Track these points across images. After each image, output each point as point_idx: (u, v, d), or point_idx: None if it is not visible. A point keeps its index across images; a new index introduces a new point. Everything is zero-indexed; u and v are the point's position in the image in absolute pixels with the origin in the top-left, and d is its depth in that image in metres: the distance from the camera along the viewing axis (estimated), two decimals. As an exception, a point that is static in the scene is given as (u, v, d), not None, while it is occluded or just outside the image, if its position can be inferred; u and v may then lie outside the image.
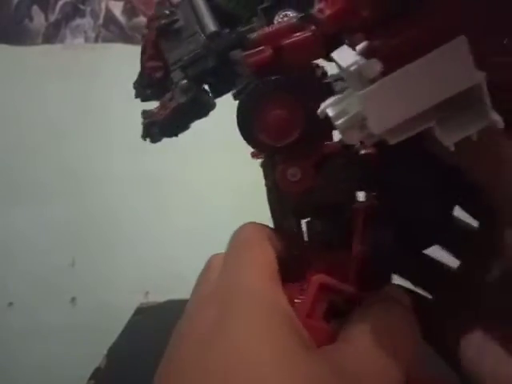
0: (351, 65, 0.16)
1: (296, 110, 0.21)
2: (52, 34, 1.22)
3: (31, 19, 1.21)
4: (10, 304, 1.15)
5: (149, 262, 1.12)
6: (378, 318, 0.20)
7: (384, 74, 0.15)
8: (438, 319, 0.24)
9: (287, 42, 0.21)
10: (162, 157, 1.01)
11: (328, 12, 0.18)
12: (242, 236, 0.24)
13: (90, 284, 1.14)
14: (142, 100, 0.29)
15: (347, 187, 0.23)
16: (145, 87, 0.28)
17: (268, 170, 0.25)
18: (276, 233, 0.25)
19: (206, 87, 0.27)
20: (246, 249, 0.23)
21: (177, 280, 1.07)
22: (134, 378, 0.71)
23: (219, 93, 0.27)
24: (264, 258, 0.22)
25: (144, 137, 0.28)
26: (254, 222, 0.25)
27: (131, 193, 1.15)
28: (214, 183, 1.12)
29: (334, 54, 0.18)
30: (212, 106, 0.28)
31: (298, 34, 0.21)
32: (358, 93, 0.15)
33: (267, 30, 0.21)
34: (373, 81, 0.15)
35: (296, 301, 0.22)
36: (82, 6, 1.22)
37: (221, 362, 0.18)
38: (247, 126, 0.22)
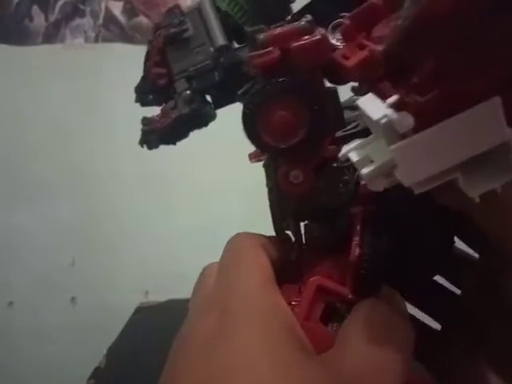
0: (382, 117, 0.16)
1: (301, 112, 0.21)
2: (52, 34, 1.22)
3: (31, 19, 1.21)
4: (11, 303, 1.15)
5: (149, 262, 1.13)
6: (374, 320, 0.20)
7: (415, 128, 0.16)
8: (443, 349, 0.24)
9: (295, 44, 0.21)
10: (167, 156, 1.00)
11: (352, 62, 0.18)
12: (236, 244, 0.24)
13: (90, 283, 1.14)
14: (142, 105, 0.29)
15: (346, 191, 0.23)
16: (147, 93, 0.28)
17: (270, 171, 0.25)
18: (272, 237, 0.25)
19: (208, 98, 0.28)
20: (240, 255, 0.23)
21: (177, 279, 1.07)
22: (133, 378, 0.72)
23: (221, 104, 0.28)
24: (259, 263, 0.22)
25: (141, 143, 0.28)
26: (247, 232, 0.25)
27: (134, 192, 1.15)
28: (218, 183, 1.12)
29: (360, 102, 0.18)
30: (213, 117, 0.28)
31: (306, 37, 0.21)
32: (390, 147, 0.16)
33: (275, 31, 0.21)
34: (403, 134, 0.16)
35: (293, 303, 0.22)
36: (81, 6, 1.22)
37: (222, 367, 0.18)
38: (252, 126, 0.22)
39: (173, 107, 0.27)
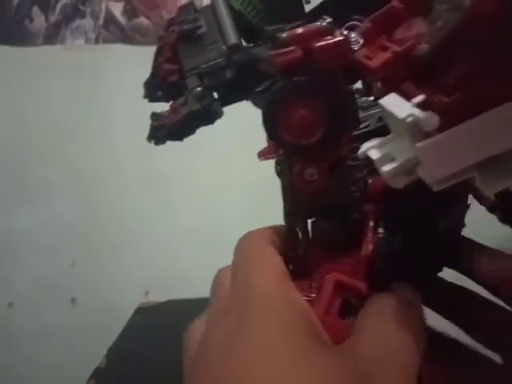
0: (408, 116, 0.16)
1: (321, 112, 0.22)
2: (52, 35, 1.22)
3: (31, 20, 1.21)
4: (11, 304, 1.15)
5: (149, 262, 1.13)
6: (388, 311, 0.21)
7: (438, 127, 0.16)
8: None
9: (319, 44, 0.21)
10: (168, 156, 1.01)
11: (376, 62, 0.19)
12: (246, 245, 0.25)
13: (91, 284, 1.14)
14: (151, 100, 0.29)
15: (357, 189, 0.24)
16: (156, 89, 0.28)
17: (284, 168, 0.25)
18: (280, 232, 0.26)
19: (214, 95, 0.28)
20: (252, 257, 0.23)
21: (177, 280, 1.07)
22: (133, 378, 0.72)
23: (228, 102, 0.28)
24: (271, 263, 0.23)
25: (150, 139, 0.28)
26: (256, 230, 0.25)
27: (135, 192, 1.15)
28: (219, 183, 1.12)
29: (383, 101, 0.18)
30: (219, 115, 0.28)
31: (327, 37, 0.21)
32: (416, 145, 0.16)
33: (297, 31, 0.21)
34: (428, 133, 0.16)
35: (305, 298, 0.23)
36: (82, 7, 1.22)
37: (241, 359, 0.19)
38: (273, 123, 0.22)
39: (183, 103, 0.27)
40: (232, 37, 0.26)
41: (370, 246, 0.23)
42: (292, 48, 0.21)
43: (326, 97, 0.22)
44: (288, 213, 0.26)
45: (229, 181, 1.12)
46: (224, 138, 0.91)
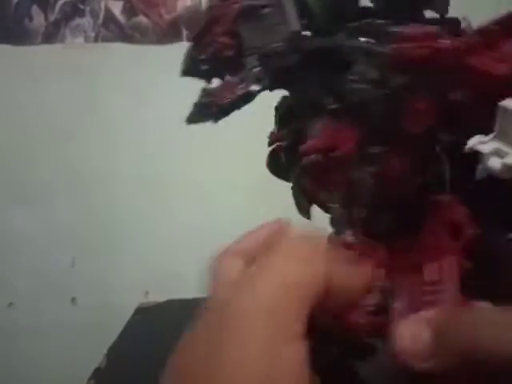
0: None
1: (432, 110, 0.23)
2: (52, 34, 1.21)
3: (31, 19, 1.21)
4: (11, 304, 1.15)
5: (149, 262, 1.13)
6: None
7: None
8: None
9: (443, 44, 0.22)
10: (166, 156, 1.01)
11: (502, 71, 0.21)
12: (213, 265, 0.25)
13: (90, 284, 1.14)
14: (187, 74, 0.27)
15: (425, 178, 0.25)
16: (201, 61, 0.26)
17: (369, 161, 0.25)
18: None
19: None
20: (216, 271, 0.24)
21: (177, 280, 1.07)
22: (133, 378, 0.71)
23: (267, 88, 0.27)
24: (230, 269, 0.23)
25: (192, 116, 0.27)
26: (223, 250, 0.25)
27: (134, 192, 1.15)
28: (218, 183, 1.12)
29: (506, 103, 0.21)
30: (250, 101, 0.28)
31: (446, 40, 0.22)
32: None
33: (422, 29, 0.22)
34: None
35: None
36: (81, 6, 1.22)
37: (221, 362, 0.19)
38: (394, 115, 0.23)
39: (240, 82, 0.26)
40: (295, 24, 0.26)
41: (469, 231, 0.23)
42: (423, 44, 0.22)
43: (443, 95, 0.22)
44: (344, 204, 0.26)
45: (228, 181, 1.11)
46: (222, 137, 0.90)
